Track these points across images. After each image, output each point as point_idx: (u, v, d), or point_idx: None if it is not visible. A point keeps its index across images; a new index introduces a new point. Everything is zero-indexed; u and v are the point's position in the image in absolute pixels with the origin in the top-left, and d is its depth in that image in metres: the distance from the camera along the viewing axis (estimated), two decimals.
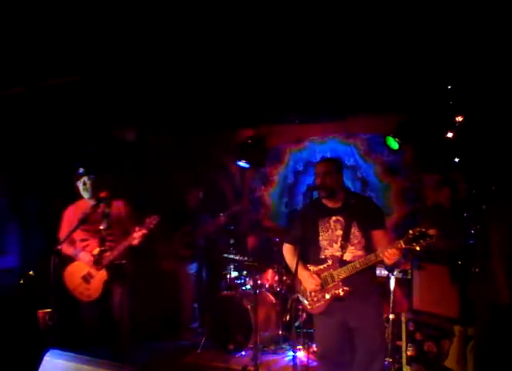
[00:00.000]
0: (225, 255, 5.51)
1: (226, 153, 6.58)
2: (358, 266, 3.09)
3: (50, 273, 3.36)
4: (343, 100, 5.10)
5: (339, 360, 3.30)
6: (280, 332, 5.15)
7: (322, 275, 3.22)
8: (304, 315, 4.51)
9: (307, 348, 4.49)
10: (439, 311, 4.06)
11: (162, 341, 5.50)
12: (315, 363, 4.13)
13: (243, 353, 4.92)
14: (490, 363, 3.44)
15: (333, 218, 3.26)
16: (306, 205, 3.45)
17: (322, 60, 3.99)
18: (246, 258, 5.33)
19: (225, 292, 5.45)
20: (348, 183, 5.69)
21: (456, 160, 4.78)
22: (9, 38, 3.32)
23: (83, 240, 4.00)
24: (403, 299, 4.78)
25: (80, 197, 4.10)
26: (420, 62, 4.00)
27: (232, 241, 5.60)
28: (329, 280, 3.19)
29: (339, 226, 3.24)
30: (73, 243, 4.02)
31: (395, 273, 4.32)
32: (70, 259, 4.02)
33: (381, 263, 3.11)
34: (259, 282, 5.17)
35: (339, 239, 3.21)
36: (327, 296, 3.19)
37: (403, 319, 4.25)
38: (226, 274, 5.55)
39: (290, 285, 4.76)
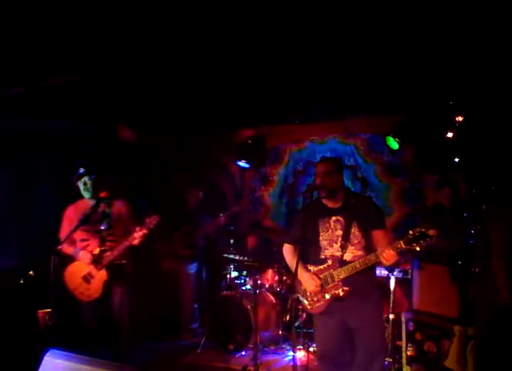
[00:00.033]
0: (225, 255, 5.50)
1: (226, 153, 6.58)
2: (358, 266, 3.09)
3: (50, 273, 3.37)
4: (343, 100, 5.10)
5: (339, 360, 3.30)
6: (280, 332, 5.15)
7: (322, 275, 3.22)
8: (304, 315, 4.50)
9: (307, 348, 4.49)
10: (439, 311, 4.07)
11: (162, 341, 5.50)
12: (315, 363, 4.13)
13: (243, 353, 4.91)
14: (490, 363, 3.44)
15: (333, 218, 3.26)
16: (306, 205, 3.44)
17: (322, 60, 3.98)
18: (246, 258, 5.33)
19: (225, 292, 5.45)
20: (348, 183, 5.67)
21: (456, 160, 4.78)
22: (9, 38, 3.32)
23: (83, 240, 4.01)
24: (403, 299, 4.78)
25: (81, 197, 4.10)
26: (420, 63, 3.99)
27: (232, 241, 5.59)
28: (329, 280, 3.19)
29: (339, 226, 3.24)
30: (73, 243, 4.02)
31: (395, 273, 4.32)
32: (71, 259, 4.03)
33: (381, 263, 3.11)
34: (259, 282, 5.16)
35: (339, 239, 3.21)
36: (327, 296, 3.19)
37: (403, 319, 4.25)
38: (226, 274, 5.55)
39: (290, 285, 4.76)
